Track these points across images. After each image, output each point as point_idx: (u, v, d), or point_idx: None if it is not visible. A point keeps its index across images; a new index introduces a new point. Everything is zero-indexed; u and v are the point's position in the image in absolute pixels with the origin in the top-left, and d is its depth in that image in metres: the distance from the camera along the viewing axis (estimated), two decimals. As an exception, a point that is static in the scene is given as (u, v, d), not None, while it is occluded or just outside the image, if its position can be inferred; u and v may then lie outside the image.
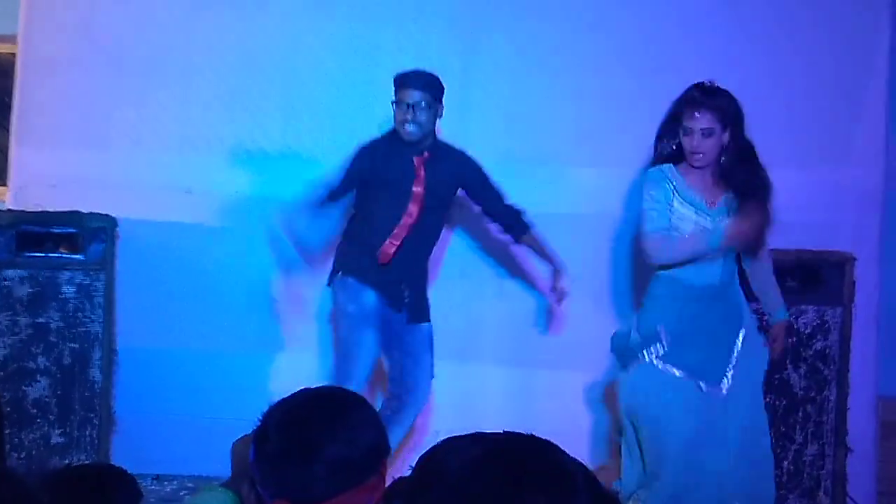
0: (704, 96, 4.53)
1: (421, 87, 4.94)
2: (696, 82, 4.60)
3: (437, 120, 5.06)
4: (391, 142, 5.07)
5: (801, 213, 5.67)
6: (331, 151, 5.75)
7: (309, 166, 5.77)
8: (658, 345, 4.58)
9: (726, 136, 4.57)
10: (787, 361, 5.44)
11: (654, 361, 4.57)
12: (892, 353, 5.73)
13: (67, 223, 5.48)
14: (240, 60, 5.82)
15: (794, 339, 5.44)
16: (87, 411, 5.50)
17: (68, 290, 5.49)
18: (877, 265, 5.68)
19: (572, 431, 5.52)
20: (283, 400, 2.03)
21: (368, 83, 5.79)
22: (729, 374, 4.60)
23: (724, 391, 4.58)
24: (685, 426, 4.53)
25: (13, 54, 6.04)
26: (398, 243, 4.99)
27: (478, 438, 1.45)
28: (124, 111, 5.80)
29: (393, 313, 5.09)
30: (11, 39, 6.10)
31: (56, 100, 5.80)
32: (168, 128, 5.81)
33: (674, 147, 4.63)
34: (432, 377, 5.19)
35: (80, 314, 5.49)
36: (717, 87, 4.57)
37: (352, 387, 4.55)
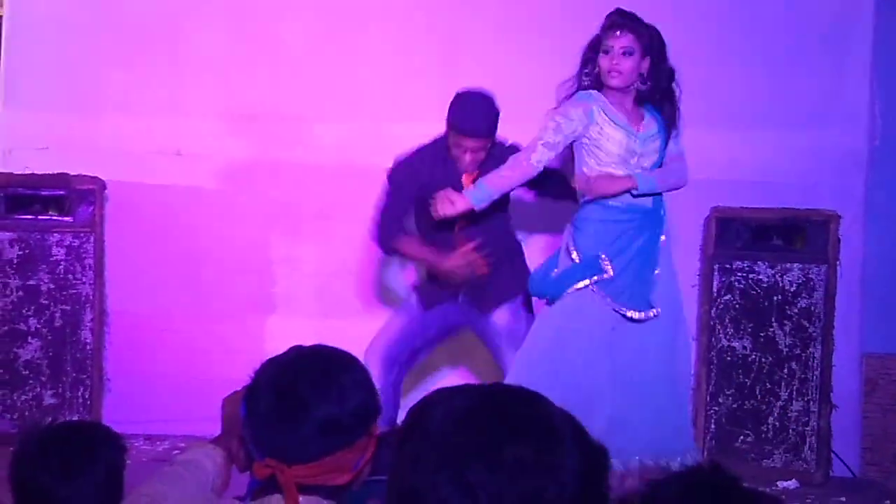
0: (624, 19, 4.56)
1: (483, 135, 4.71)
2: (616, 7, 4.61)
3: None
4: (436, 158, 4.81)
5: (787, 173, 5.69)
6: (318, 115, 5.76)
7: (297, 129, 5.78)
8: (599, 272, 4.53)
9: (646, 63, 4.57)
10: (773, 319, 5.49)
11: (593, 289, 4.53)
12: (876, 310, 5.75)
13: (56, 185, 5.49)
14: (228, 24, 5.81)
15: (780, 297, 5.49)
16: (78, 372, 5.53)
17: (58, 253, 5.50)
18: (861, 223, 5.70)
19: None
20: (275, 358, 2.04)
21: (356, 47, 5.79)
22: (654, 302, 4.59)
23: (652, 317, 4.57)
24: (607, 358, 4.53)
25: (0, 17, 6.01)
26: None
27: (466, 389, 1.46)
28: (113, 74, 5.79)
29: (466, 314, 4.97)
30: (-2, 2, 6.08)
31: (44, 62, 5.78)
32: (157, 91, 5.80)
33: (594, 74, 4.59)
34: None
35: (70, 276, 5.51)
36: (637, 15, 4.58)
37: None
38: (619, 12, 4.60)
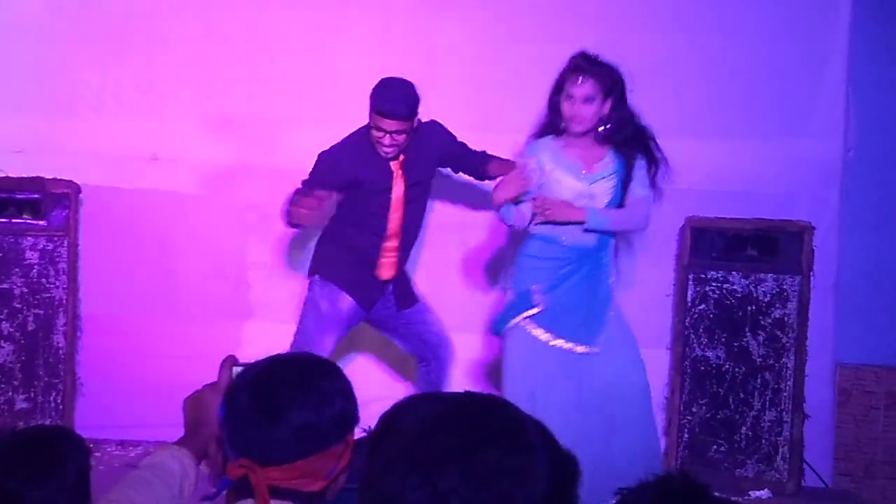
0: (588, 64, 4.63)
1: (402, 118, 4.80)
2: (580, 51, 4.68)
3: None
4: (360, 148, 4.94)
5: (761, 184, 5.72)
6: (294, 119, 5.75)
7: (274, 134, 5.77)
8: (530, 307, 4.64)
9: (607, 106, 4.65)
10: (746, 329, 5.51)
11: (525, 325, 4.64)
12: (849, 321, 5.77)
13: (31, 189, 5.47)
14: (204, 28, 5.79)
15: (753, 307, 5.51)
16: (51, 377, 5.50)
17: (31, 256, 5.47)
18: (835, 234, 5.72)
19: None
20: (258, 362, 2.06)
21: (333, 51, 5.78)
22: (600, 337, 4.65)
23: (595, 352, 4.64)
24: (551, 391, 4.58)
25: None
26: (394, 259, 5.03)
27: (437, 397, 1.47)
28: (89, 77, 5.76)
29: (379, 310, 5.12)
30: (-26, 4, 6.04)
31: (19, 66, 5.74)
32: (133, 95, 5.78)
33: (558, 117, 4.71)
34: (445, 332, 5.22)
35: (43, 280, 5.48)
36: (601, 58, 4.66)
37: None
38: (582, 56, 4.66)
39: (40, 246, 5.48)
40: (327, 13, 5.80)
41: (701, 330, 5.54)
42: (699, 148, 5.66)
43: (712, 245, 5.55)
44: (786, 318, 5.50)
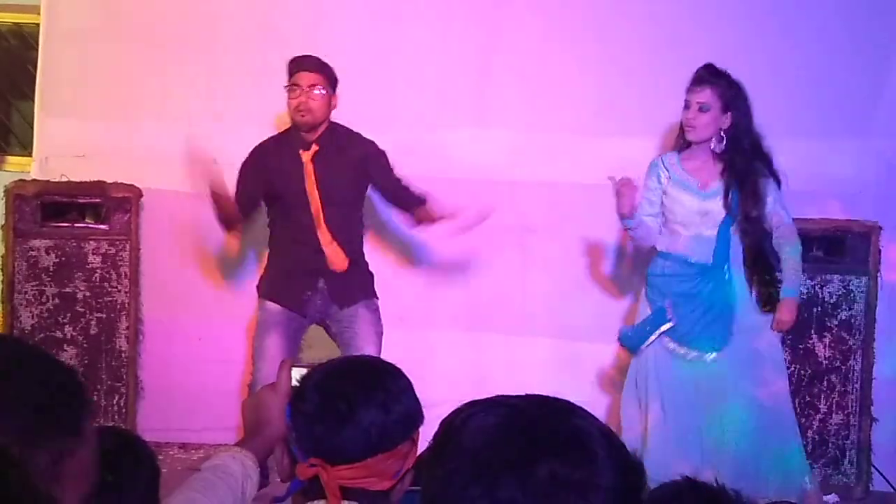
0: (707, 74, 4.67)
1: (316, 69, 4.85)
2: (706, 63, 4.72)
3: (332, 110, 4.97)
4: (281, 140, 5.00)
5: (827, 184, 5.64)
6: (350, 123, 5.75)
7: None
8: (666, 321, 4.73)
9: (727, 119, 4.66)
10: (812, 331, 5.43)
11: (664, 339, 4.74)
12: (917, 322, 5.68)
13: (92, 193, 5.51)
14: (264, 32, 5.81)
15: (819, 309, 5.43)
16: (113, 380, 5.54)
17: (94, 260, 5.52)
18: (903, 234, 5.64)
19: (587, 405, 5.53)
20: (323, 364, 2.10)
21: (391, 55, 5.77)
22: (727, 346, 4.71)
23: (725, 360, 4.70)
24: (687, 401, 4.71)
25: (37, 25, 6.05)
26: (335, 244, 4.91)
27: (497, 403, 1.43)
28: (149, 82, 5.80)
29: (317, 309, 4.99)
30: (35, 10, 6.10)
31: (81, 70, 5.80)
32: (193, 99, 5.81)
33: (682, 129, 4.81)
34: (376, 344, 4.94)
35: (105, 284, 5.53)
36: (723, 70, 4.69)
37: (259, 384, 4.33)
38: (705, 66, 4.70)
39: (102, 250, 5.53)
40: (386, 20, 5.79)
41: (766, 332, 5.47)
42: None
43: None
44: (852, 320, 5.42)
